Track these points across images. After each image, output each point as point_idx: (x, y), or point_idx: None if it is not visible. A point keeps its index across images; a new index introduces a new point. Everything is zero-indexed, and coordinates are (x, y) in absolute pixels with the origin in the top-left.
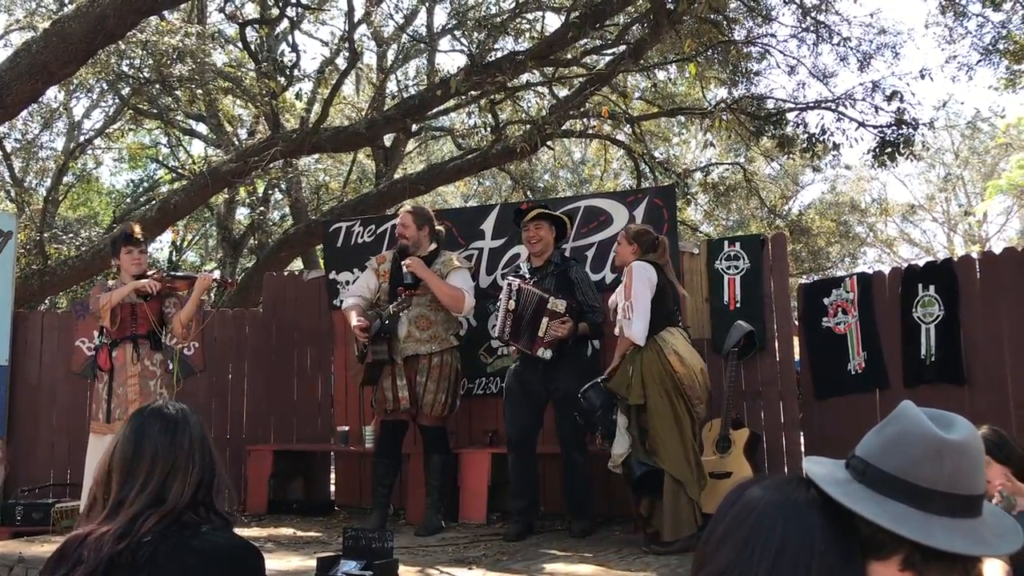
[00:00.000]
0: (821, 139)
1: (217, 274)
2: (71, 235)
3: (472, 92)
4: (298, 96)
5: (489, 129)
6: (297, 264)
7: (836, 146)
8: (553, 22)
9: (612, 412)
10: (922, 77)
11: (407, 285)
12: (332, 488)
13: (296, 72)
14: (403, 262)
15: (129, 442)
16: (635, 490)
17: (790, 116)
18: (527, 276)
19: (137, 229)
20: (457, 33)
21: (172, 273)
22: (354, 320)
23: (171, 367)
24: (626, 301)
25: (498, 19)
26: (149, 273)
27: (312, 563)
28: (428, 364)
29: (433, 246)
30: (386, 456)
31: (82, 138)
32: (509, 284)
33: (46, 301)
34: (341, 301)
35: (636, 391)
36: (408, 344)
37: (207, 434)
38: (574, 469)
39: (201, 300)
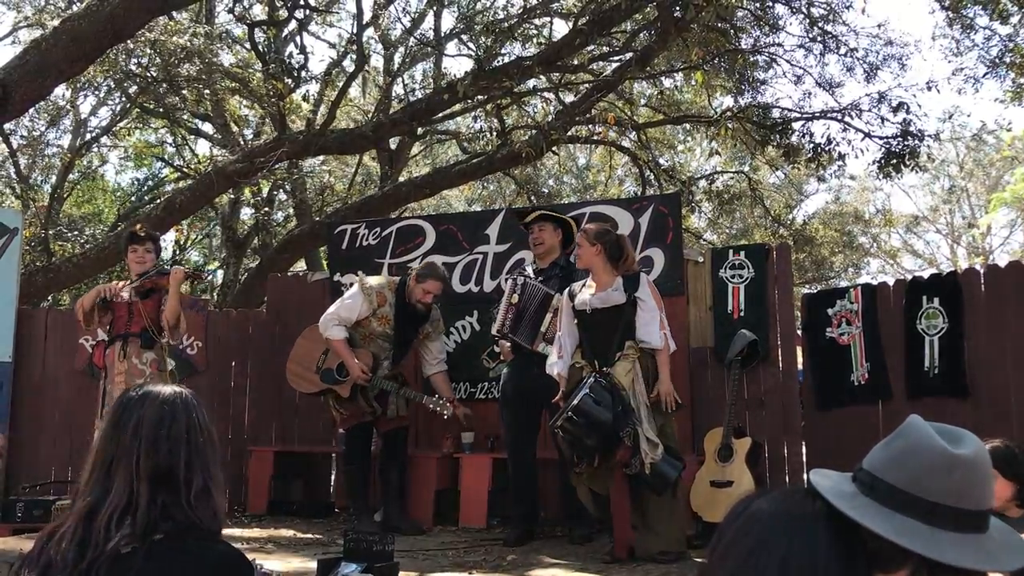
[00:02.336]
0: (826, 149)
1: (191, 268)
2: (76, 233)
3: (478, 96)
4: (305, 98)
5: (495, 134)
6: (300, 265)
7: (841, 156)
8: (561, 28)
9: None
10: (928, 89)
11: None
12: (332, 490)
13: (303, 74)
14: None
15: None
16: (659, 494)
17: (796, 125)
18: (532, 277)
19: (142, 228)
20: (464, 37)
21: (161, 269)
22: (356, 370)
23: (168, 366)
24: (662, 314)
25: (505, 24)
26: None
27: (312, 565)
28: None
29: None
30: (364, 459)
31: (88, 136)
32: (514, 279)
33: (49, 298)
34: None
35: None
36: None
37: (191, 422)
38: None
39: (205, 300)
